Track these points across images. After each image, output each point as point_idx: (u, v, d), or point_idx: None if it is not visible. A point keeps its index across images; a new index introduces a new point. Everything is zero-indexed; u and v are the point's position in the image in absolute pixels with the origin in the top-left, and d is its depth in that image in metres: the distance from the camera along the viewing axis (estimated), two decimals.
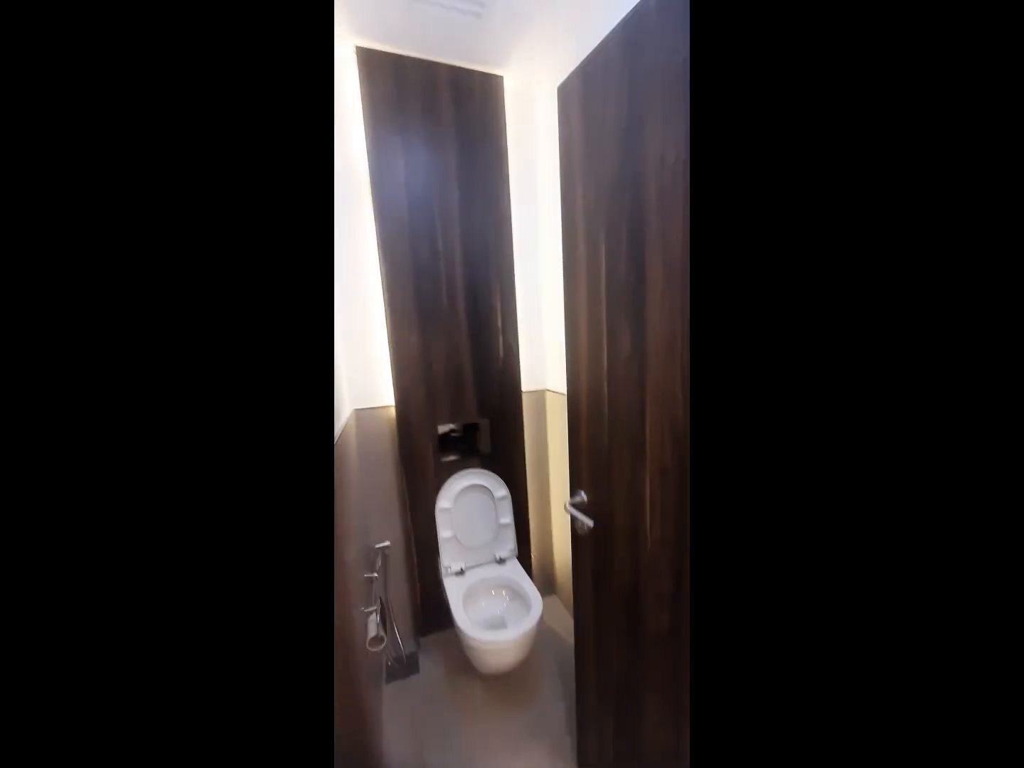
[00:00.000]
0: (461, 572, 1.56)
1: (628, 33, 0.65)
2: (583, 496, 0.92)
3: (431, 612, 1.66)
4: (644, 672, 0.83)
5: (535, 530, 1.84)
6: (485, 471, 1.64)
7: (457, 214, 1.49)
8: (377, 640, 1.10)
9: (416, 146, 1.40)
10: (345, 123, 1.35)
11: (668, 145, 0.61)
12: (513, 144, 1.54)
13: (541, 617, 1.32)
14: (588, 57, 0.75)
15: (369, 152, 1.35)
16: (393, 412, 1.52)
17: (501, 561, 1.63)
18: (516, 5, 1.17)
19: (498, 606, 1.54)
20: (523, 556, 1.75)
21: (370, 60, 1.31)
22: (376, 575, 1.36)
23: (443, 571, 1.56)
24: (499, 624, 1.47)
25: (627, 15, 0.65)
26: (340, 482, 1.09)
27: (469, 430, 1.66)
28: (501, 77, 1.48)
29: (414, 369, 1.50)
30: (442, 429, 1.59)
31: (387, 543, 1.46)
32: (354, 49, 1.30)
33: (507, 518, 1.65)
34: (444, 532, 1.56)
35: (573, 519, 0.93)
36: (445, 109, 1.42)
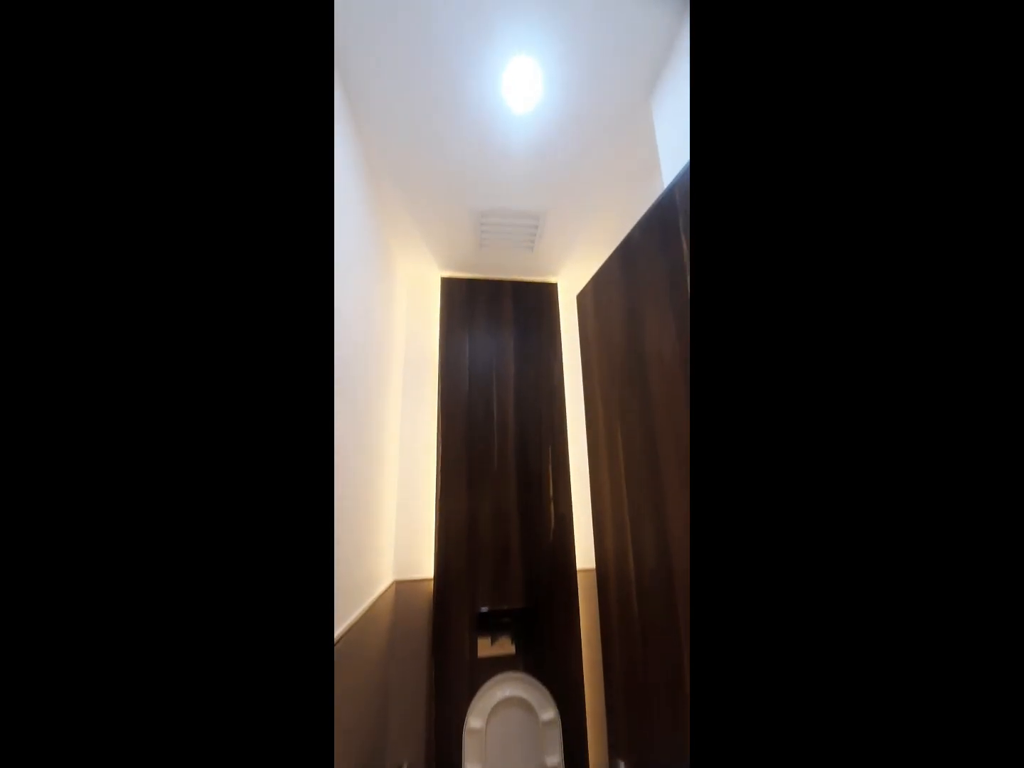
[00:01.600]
0: None
1: (624, 252, 0.75)
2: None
3: None
4: None
5: None
6: (529, 678, 1.34)
7: (512, 388, 1.62)
8: None
9: (480, 337, 1.65)
10: (426, 330, 1.69)
11: (665, 342, 0.61)
12: (566, 328, 1.74)
13: None
14: (598, 270, 0.86)
15: (440, 347, 1.62)
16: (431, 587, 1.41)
17: None
18: (560, 236, 1.47)
19: None
20: None
21: (451, 285, 1.70)
22: None
23: None
24: None
25: (623, 239, 0.76)
26: (357, 674, 0.96)
27: (518, 616, 1.43)
28: (555, 284, 1.78)
29: (457, 541, 1.44)
30: (485, 610, 1.40)
31: None
32: (440, 279, 1.71)
33: (555, 757, 1.25)
34: (471, 766, 1.22)
35: None
36: (506, 309, 1.71)
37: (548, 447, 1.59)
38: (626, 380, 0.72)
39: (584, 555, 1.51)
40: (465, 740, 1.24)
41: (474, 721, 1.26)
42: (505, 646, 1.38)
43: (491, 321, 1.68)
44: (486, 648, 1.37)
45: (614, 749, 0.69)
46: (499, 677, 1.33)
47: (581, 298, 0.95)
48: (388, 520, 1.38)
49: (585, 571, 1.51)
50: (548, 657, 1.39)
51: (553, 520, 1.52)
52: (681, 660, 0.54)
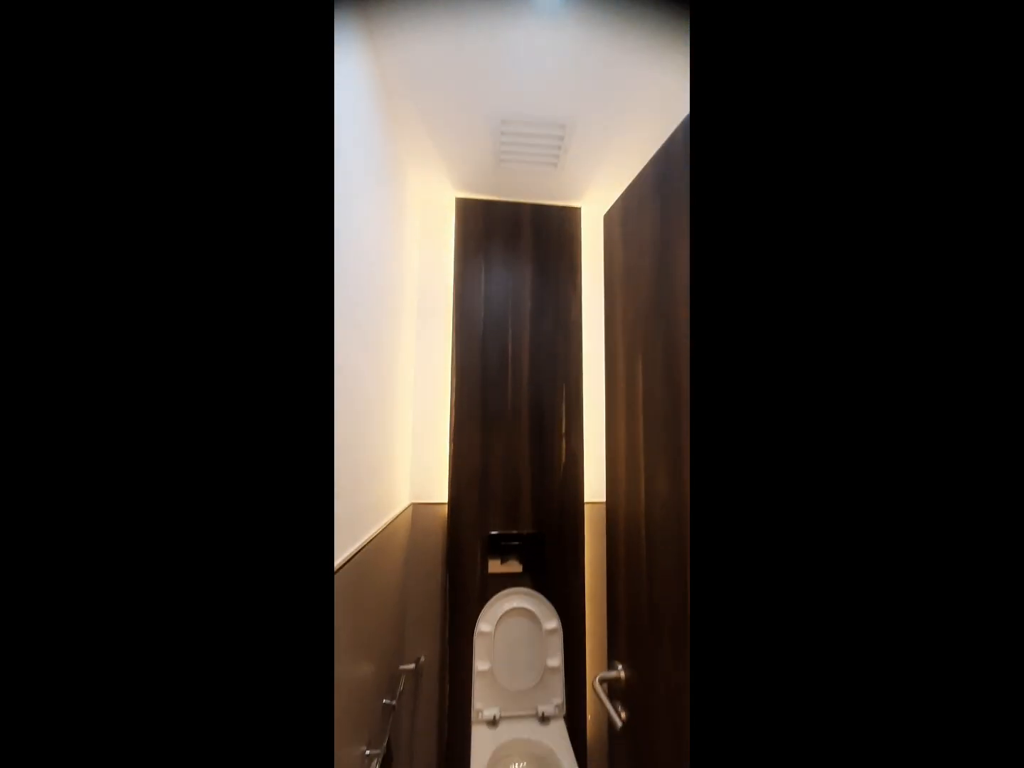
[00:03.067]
0: (494, 722, 1.31)
1: (658, 167, 0.65)
2: (619, 671, 0.72)
3: (458, 766, 1.39)
4: None
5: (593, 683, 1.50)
6: (535, 594, 1.44)
7: (528, 323, 1.56)
8: None
9: (496, 268, 1.56)
10: (440, 256, 1.60)
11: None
12: (587, 259, 1.62)
13: None
14: (626, 190, 0.76)
15: (455, 278, 1.55)
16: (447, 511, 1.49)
17: (545, 719, 1.33)
18: (586, 151, 1.32)
19: None
20: (575, 717, 1.41)
21: (466, 207, 1.57)
22: (395, 703, 1.21)
23: (473, 714, 1.32)
24: None
25: (657, 151, 0.66)
26: (377, 584, 1.05)
27: (527, 540, 1.51)
28: (579, 208, 1.63)
29: (471, 470, 1.49)
30: (495, 533, 1.48)
31: (412, 665, 1.32)
32: (454, 200, 1.58)
33: (556, 659, 1.39)
34: (480, 663, 1.36)
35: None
36: (525, 237, 1.59)
37: (562, 384, 1.56)
38: (652, 312, 0.66)
39: (592, 489, 1.55)
40: (476, 641, 1.38)
41: (484, 626, 1.39)
42: (513, 566, 1.47)
43: (508, 250, 1.57)
44: (496, 567, 1.47)
45: (613, 653, 0.74)
46: (507, 591, 1.44)
47: (608, 219, 0.85)
48: (404, 447, 1.42)
49: (593, 504, 1.56)
50: (553, 577, 1.48)
51: (564, 455, 1.54)
52: (684, 587, 0.55)
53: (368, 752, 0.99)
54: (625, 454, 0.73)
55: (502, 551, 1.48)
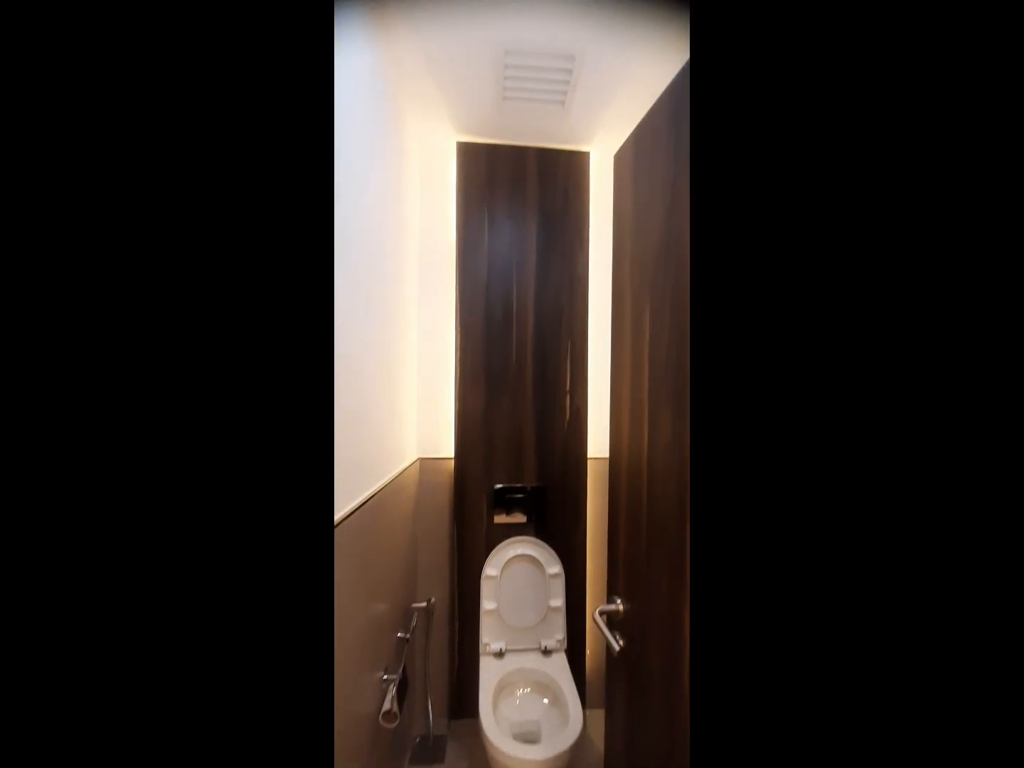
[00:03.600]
0: (500, 654, 1.41)
1: (674, 98, 0.61)
2: (618, 604, 0.76)
3: (467, 693, 1.52)
4: None
5: (592, 622, 1.60)
6: (539, 542, 1.51)
7: (534, 278, 1.53)
8: (390, 716, 1.02)
9: (500, 219, 1.51)
10: (440, 205, 1.53)
11: None
12: (596, 209, 1.56)
13: (579, 738, 1.09)
14: (639, 123, 0.72)
15: (458, 229, 1.49)
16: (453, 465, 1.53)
17: (547, 652, 1.43)
18: (596, 88, 1.23)
19: (535, 709, 1.33)
20: (575, 650, 1.52)
21: (468, 152, 1.49)
22: (408, 637, 1.30)
23: (481, 647, 1.43)
24: (533, 733, 1.26)
25: (673, 78, 0.61)
26: (389, 529, 1.10)
27: (531, 493, 1.56)
28: (588, 152, 1.54)
29: (476, 425, 1.51)
30: (500, 486, 1.53)
31: (424, 604, 1.41)
32: (455, 144, 1.50)
33: (558, 601, 1.47)
34: (487, 603, 1.45)
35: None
36: (530, 185, 1.52)
37: (567, 341, 1.55)
38: (661, 253, 0.64)
39: (595, 446, 1.58)
40: (483, 584, 1.46)
41: (490, 570, 1.47)
42: (518, 517, 1.53)
43: (513, 200, 1.51)
44: (502, 518, 1.53)
45: (613, 588, 0.79)
46: (512, 539, 1.50)
47: (619, 158, 0.81)
48: (410, 402, 1.44)
49: (596, 459, 1.59)
50: (556, 527, 1.55)
51: (568, 412, 1.56)
52: (682, 522, 0.57)
53: (385, 677, 1.08)
54: (629, 399, 0.74)
55: (507, 503, 1.53)
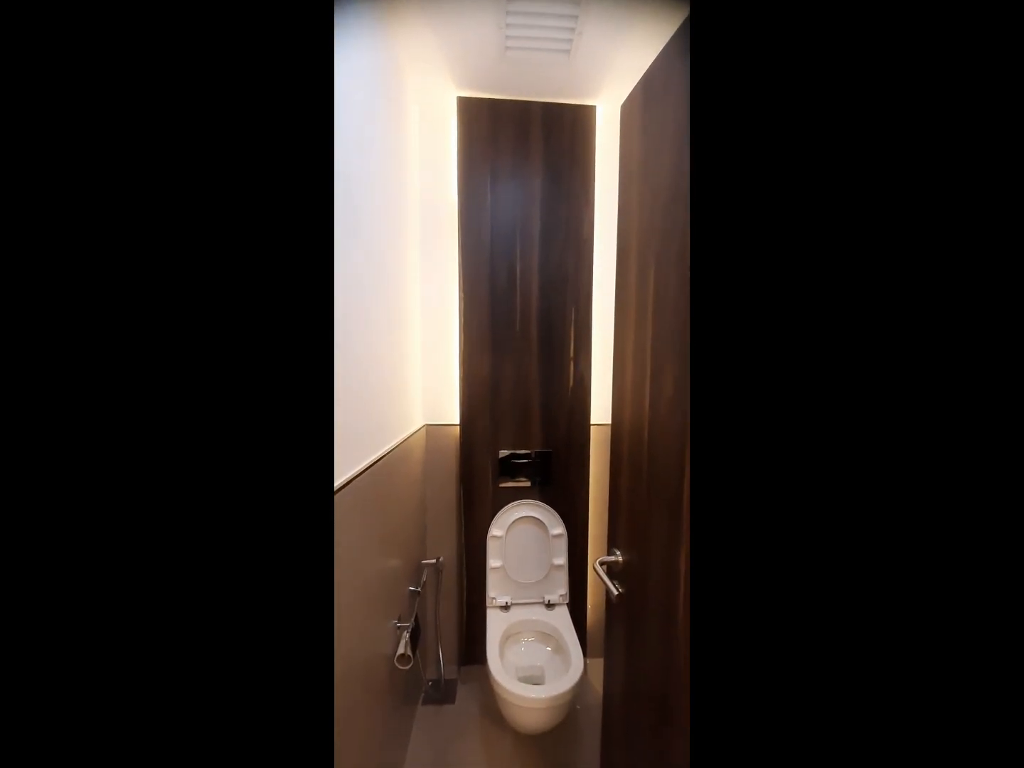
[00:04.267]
0: (506, 607, 1.49)
1: (684, 41, 0.58)
2: (618, 556, 0.80)
3: (475, 642, 1.61)
4: None
5: (594, 579, 1.67)
6: (542, 504, 1.56)
7: (537, 241, 1.50)
8: (404, 659, 1.09)
9: (504, 179, 1.46)
10: (441, 164, 1.49)
11: None
12: (602, 167, 1.51)
13: (580, 681, 1.17)
14: (648, 69, 0.69)
15: (460, 189, 1.45)
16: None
17: (550, 606, 1.51)
18: (603, 37, 1.16)
19: (539, 656, 1.42)
20: (577, 606, 1.60)
21: (469, 107, 1.43)
22: (419, 590, 1.37)
23: (488, 601, 1.50)
24: (537, 676, 1.34)
25: (686, 18, 0.58)
26: (397, 491, 1.14)
27: (536, 458, 1.60)
28: (594, 107, 1.48)
29: (481, 393, 1.53)
30: (506, 452, 1.56)
31: (434, 560, 1.48)
32: (456, 100, 1.44)
33: (561, 559, 1.53)
34: (493, 561, 1.52)
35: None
36: (535, 142, 1.46)
37: (572, 307, 1.54)
38: (670, 209, 0.63)
39: (598, 412, 1.60)
40: (489, 543, 1.52)
41: (496, 531, 1.52)
42: (523, 481, 1.57)
43: (516, 159, 1.46)
44: (507, 481, 1.57)
45: (613, 541, 0.82)
46: (517, 502, 1.55)
47: (626, 108, 0.78)
48: (415, 369, 1.45)
49: (599, 426, 1.61)
50: (560, 490, 1.59)
51: (572, 379, 1.57)
52: (681, 491, 0.59)
53: (398, 625, 1.15)
54: (633, 354, 0.74)
55: (512, 468, 1.57)
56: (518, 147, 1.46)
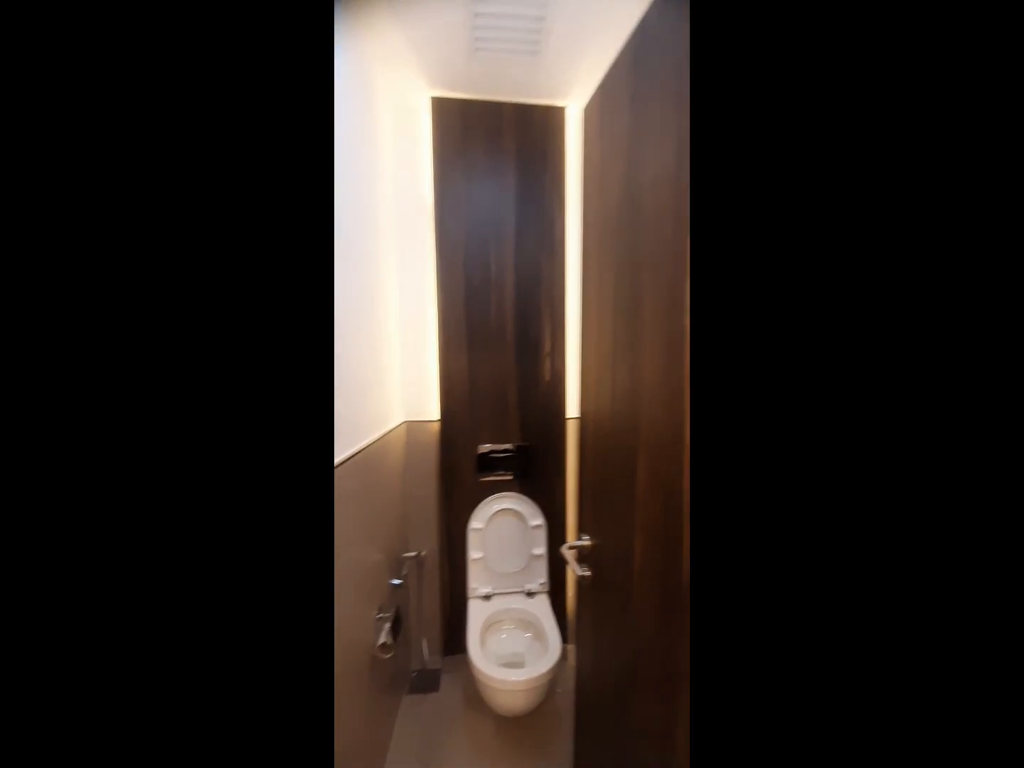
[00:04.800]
0: (487, 597, 1.53)
1: (635, 44, 0.61)
2: (586, 540, 0.84)
3: (458, 632, 1.64)
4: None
5: (562, 549, 1.72)
6: (522, 497, 1.60)
7: (512, 241, 1.53)
8: (385, 647, 1.12)
9: (477, 179, 1.48)
10: (416, 165, 1.50)
11: (662, 159, 0.55)
12: (575, 168, 1.54)
13: (558, 664, 1.21)
14: (606, 73, 0.72)
15: (434, 189, 1.47)
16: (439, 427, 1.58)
17: (531, 594, 1.55)
18: (571, 38, 1.19)
19: (519, 642, 1.46)
20: (557, 595, 1.65)
21: (442, 107, 1.45)
22: (402, 583, 1.40)
23: (469, 591, 1.54)
24: (518, 662, 1.39)
25: (635, 26, 0.61)
26: (377, 486, 1.16)
27: (514, 452, 1.63)
28: (564, 108, 1.51)
29: (460, 389, 1.55)
30: (486, 448, 1.59)
31: (414, 553, 1.50)
32: (429, 100, 1.45)
33: (540, 549, 1.58)
34: (474, 553, 1.55)
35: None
36: (507, 143, 1.49)
37: (546, 304, 1.57)
38: (622, 220, 0.66)
39: (574, 406, 1.64)
40: (469, 536, 1.56)
41: (476, 523, 1.56)
42: (503, 475, 1.61)
43: (489, 159, 1.48)
44: (487, 475, 1.60)
45: (581, 527, 0.86)
46: (497, 495, 1.59)
47: (587, 112, 0.81)
48: (394, 366, 1.47)
49: (575, 420, 1.66)
50: (539, 482, 1.63)
51: (548, 374, 1.61)
52: (635, 471, 0.63)
53: (379, 616, 1.17)
54: (596, 352, 0.78)
55: (491, 462, 1.60)
56: (491, 147, 1.48)
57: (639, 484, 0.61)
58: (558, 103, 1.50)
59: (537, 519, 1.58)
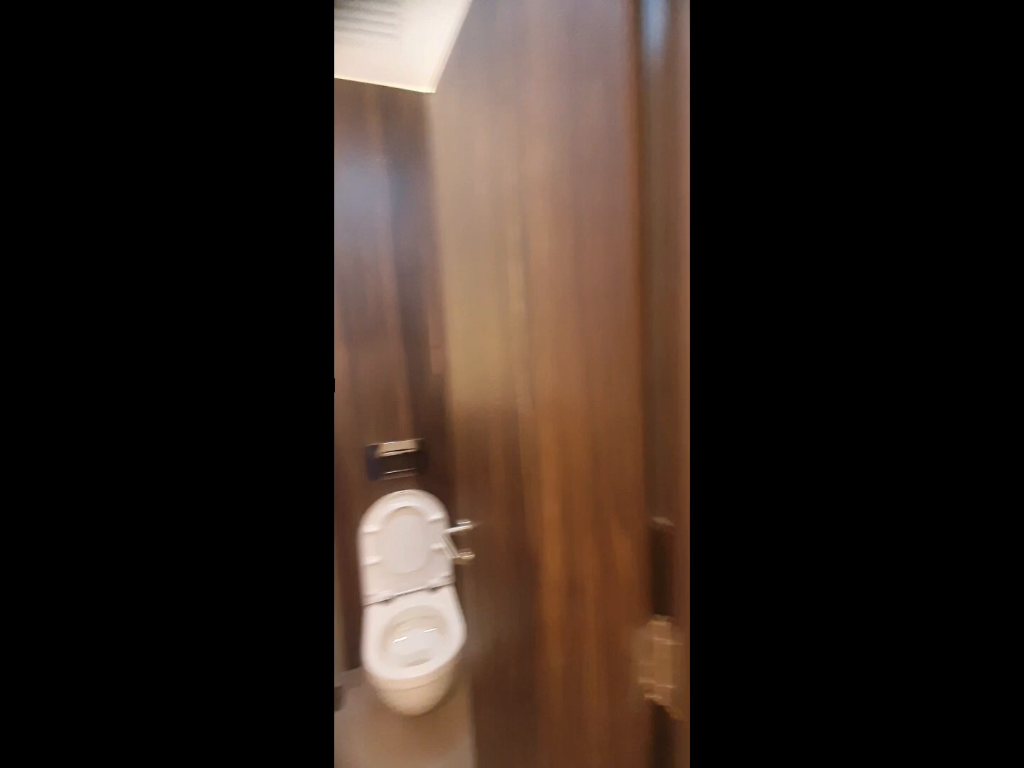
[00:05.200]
0: (388, 601, 1.47)
1: (465, 31, 0.62)
2: (466, 525, 0.85)
3: (358, 643, 1.56)
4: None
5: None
6: (419, 492, 1.57)
7: (388, 230, 1.47)
8: None
9: (342, 163, 1.39)
10: None
11: (490, 147, 0.57)
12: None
13: (459, 653, 1.22)
14: (446, 63, 0.72)
15: None
16: None
17: (434, 590, 1.54)
18: (428, 23, 1.17)
19: (424, 639, 1.44)
20: (462, 586, 1.66)
21: None
22: None
23: (365, 599, 1.47)
24: (423, 660, 1.36)
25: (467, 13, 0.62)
26: None
27: (408, 447, 1.58)
28: (430, 94, 1.49)
29: (340, 387, 1.46)
30: (375, 446, 1.52)
31: None
32: None
33: (441, 543, 1.57)
34: (370, 558, 1.48)
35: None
36: (373, 128, 1.42)
37: (428, 294, 1.55)
38: (460, 207, 0.68)
39: None
40: (364, 541, 1.48)
41: (371, 527, 1.49)
42: (396, 473, 1.56)
43: (355, 142, 1.40)
44: (380, 475, 1.53)
45: (459, 513, 0.88)
46: (392, 494, 1.53)
47: (434, 100, 0.81)
48: None
49: None
50: (436, 476, 1.62)
51: (437, 366, 1.59)
52: (515, 445, 0.65)
53: None
54: (456, 338, 0.79)
55: (384, 462, 1.54)
56: (356, 130, 1.40)
57: (492, 458, 0.64)
58: (425, 90, 1.47)
59: (436, 513, 1.57)
